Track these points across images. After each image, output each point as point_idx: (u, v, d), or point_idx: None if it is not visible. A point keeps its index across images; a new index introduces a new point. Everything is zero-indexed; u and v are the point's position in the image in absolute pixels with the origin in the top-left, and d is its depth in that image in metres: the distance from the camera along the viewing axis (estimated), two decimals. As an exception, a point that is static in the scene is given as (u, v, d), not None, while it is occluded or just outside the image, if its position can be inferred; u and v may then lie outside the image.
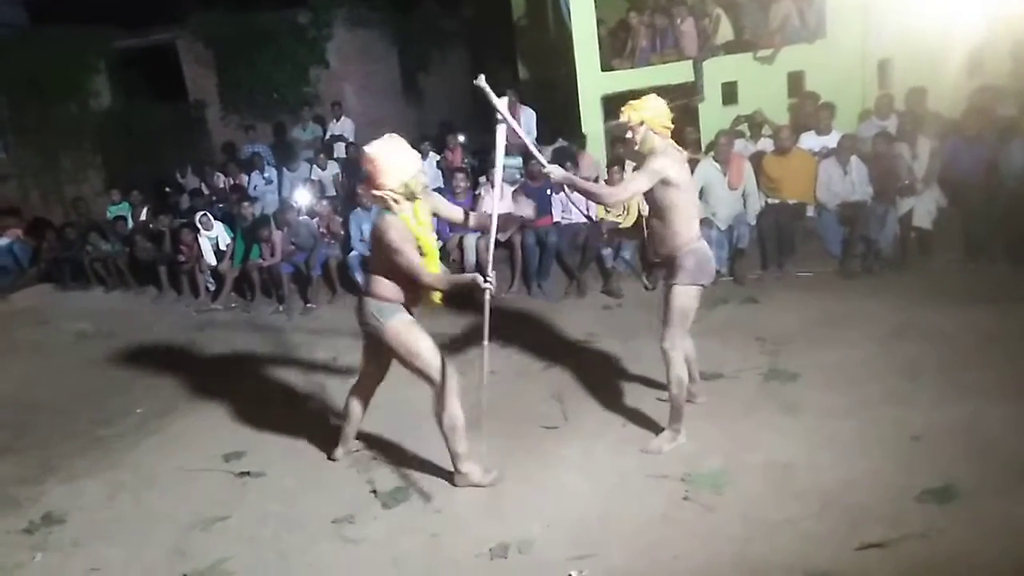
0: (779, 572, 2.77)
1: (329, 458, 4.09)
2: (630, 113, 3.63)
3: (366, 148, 3.42)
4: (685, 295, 3.63)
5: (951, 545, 2.79)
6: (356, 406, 3.98)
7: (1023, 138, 6.00)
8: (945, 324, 4.76)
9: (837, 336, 4.77)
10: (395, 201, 3.34)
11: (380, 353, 3.67)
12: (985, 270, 5.78)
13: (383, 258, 3.40)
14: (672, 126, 3.67)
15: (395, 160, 3.35)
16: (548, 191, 7.00)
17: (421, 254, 3.40)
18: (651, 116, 3.59)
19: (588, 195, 3.78)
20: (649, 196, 3.62)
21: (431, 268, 3.44)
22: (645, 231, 3.83)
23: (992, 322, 4.70)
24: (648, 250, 3.73)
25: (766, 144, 7.13)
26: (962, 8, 6.90)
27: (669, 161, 3.52)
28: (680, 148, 3.71)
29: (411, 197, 3.38)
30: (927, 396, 3.89)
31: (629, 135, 3.66)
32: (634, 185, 3.57)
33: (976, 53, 7.12)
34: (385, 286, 3.47)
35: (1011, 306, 4.92)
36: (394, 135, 3.46)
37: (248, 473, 4.07)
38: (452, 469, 3.65)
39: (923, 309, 5.07)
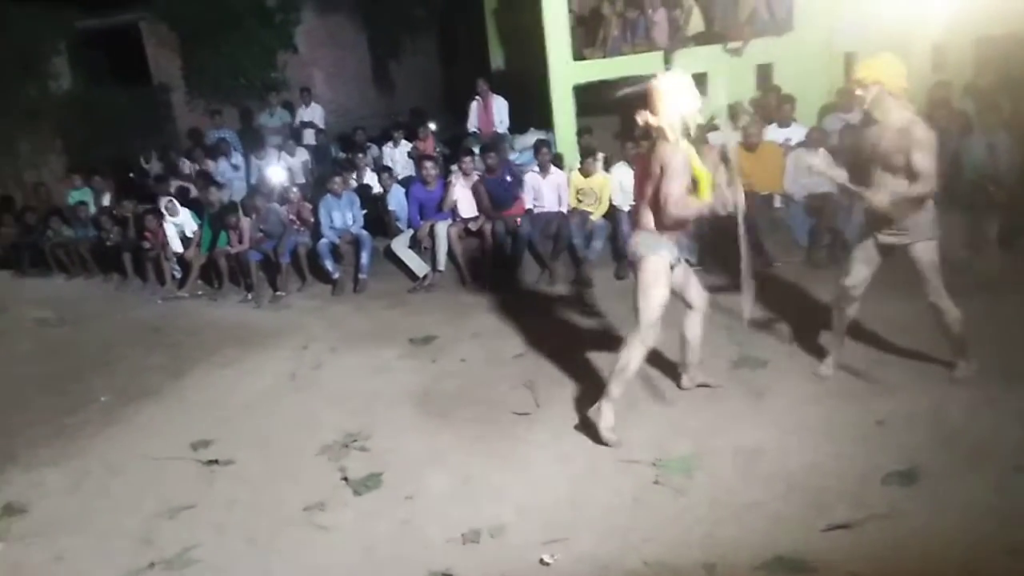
0: (747, 553, 2.81)
1: (679, 387, 4.16)
2: (865, 72, 3.56)
3: (656, 80, 3.46)
4: (932, 250, 3.70)
5: (913, 525, 2.86)
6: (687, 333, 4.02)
7: (982, 133, 6.15)
8: (909, 312, 4.86)
9: (803, 324, 4.84)
10: (672, 131, 3.39)
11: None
12: (948, 259, 5.90)
13: (657, 187, 3.45)
14: (907, 86, 3.57)
15: (679, 94, 3.41)
16: (507, 179, 7.01)
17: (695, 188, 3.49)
18: (889, 77, 3.51)
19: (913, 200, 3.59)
20: (895, 156, 3.53)
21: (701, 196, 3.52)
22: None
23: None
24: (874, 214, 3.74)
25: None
26: (926, 3, 7.03)
27: (923, 124, 3.50)
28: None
29: (687, 133, 3.45)
30: (891, 383, 3.98)
31: (860, 92, 3.59)
32: (930, 163, 3.45)
33: (940, 48, 7.27)
34: (654, 218, 3.55)
35: (973, 295, 5.03)
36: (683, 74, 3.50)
37: (216, 461, 4.02)
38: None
39: (888, 298, 5.15)
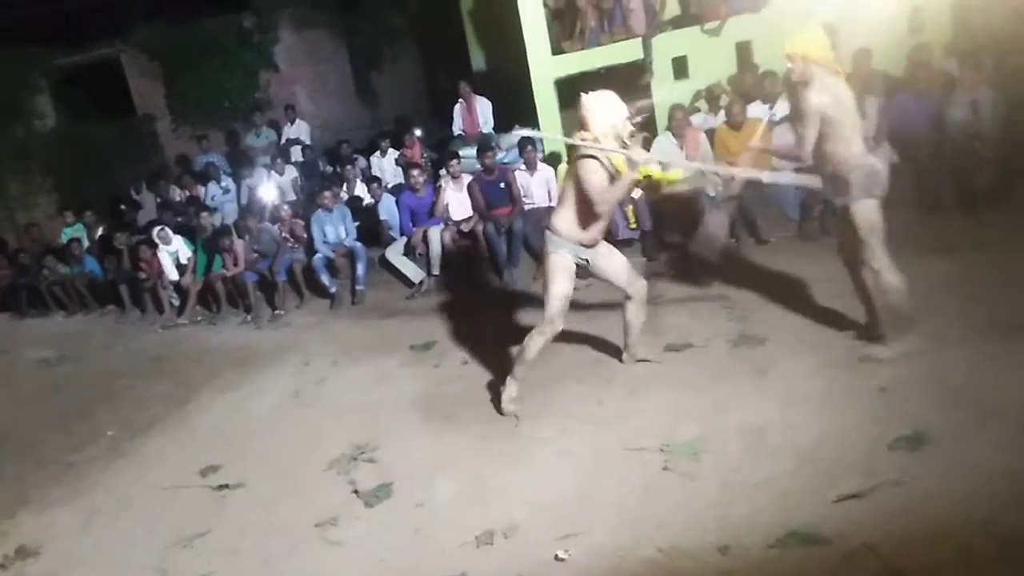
0: (761, 531, 2.80)
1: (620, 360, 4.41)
2: (792, 47, 3.69)
3: (583, 99, 3.83)
4: (865, 211, 3.68)
5: (925, 489, 2.85)
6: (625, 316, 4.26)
7: (964, 92, 6.12)
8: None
9: (801, 298, 4.82)
10: (605, 140, 3.72)
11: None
12: (937, 221, 5.87)
13: (573, 197, 3.86)
14: (833, 55, 3.72)
15: (604, 107, 3.78)
16: (501, 184, 6.99)
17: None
18: (813, 51, 3.64)
19: (788, 157, 4.16)
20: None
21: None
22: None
23: (947, 271, 4.77)
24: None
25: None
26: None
27: (821, 94, 3.61)
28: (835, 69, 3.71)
29: (620, 141, 3.77)
30: (892, 348, 3.95)
31: (791, 66, 3.72)
32: (808, 132, 3.65)
33: (918, 9, 7.24)
34: (563, 221, 3.91)
35: (964, 255, 5.02)
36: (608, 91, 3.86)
37: (226, 485, 4.02)
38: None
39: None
